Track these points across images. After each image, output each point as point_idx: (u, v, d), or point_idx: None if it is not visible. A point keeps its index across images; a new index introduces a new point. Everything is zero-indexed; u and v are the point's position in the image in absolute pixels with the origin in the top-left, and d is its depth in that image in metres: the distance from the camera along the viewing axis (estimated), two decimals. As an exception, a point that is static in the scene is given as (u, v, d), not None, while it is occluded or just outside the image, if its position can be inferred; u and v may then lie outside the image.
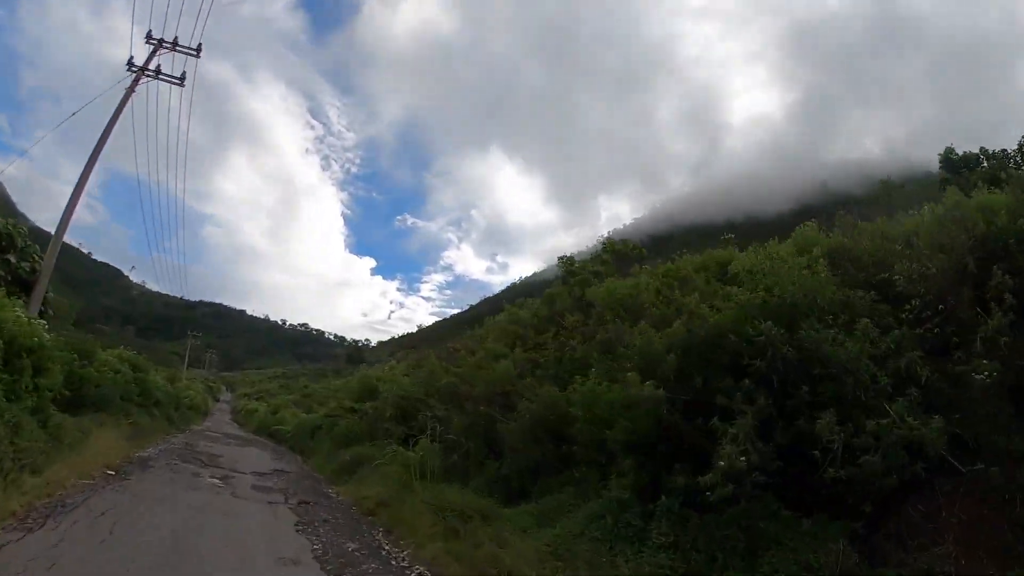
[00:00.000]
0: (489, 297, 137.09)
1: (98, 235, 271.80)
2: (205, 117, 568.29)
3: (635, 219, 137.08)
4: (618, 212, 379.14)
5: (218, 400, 74.31)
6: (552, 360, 12.31)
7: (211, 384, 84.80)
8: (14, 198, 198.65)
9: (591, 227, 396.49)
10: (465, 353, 18.39)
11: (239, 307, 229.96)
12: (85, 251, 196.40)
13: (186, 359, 65.94)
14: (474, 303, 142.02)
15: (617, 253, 17.29)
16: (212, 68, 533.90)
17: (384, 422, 17.36)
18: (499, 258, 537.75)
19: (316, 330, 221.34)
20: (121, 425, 16.41)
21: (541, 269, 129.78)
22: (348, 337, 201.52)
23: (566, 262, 18.43)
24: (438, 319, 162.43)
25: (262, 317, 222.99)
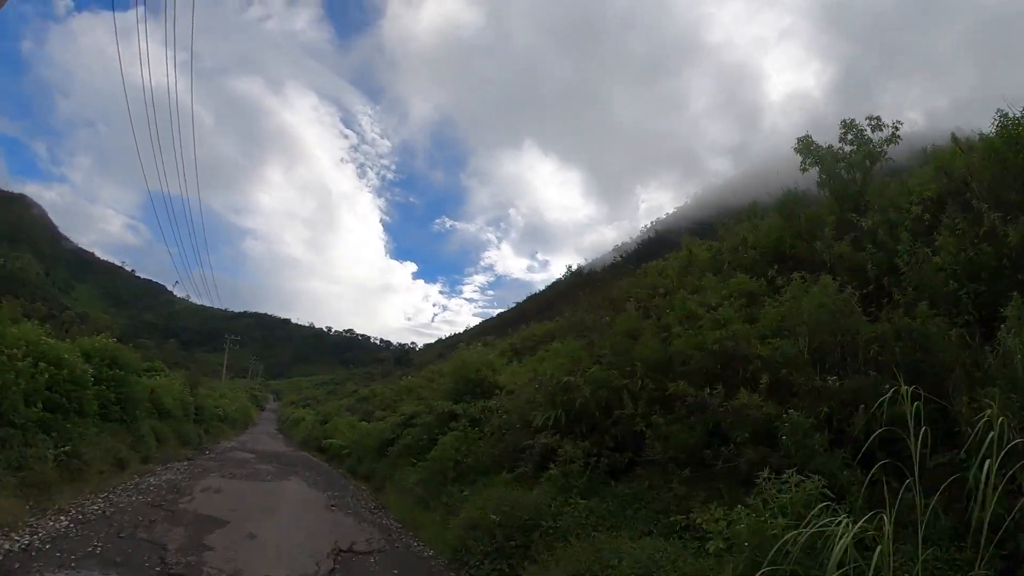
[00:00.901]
0: (535, 294, 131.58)
1: (142, 254, 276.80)
2: (240, 133, 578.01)
3: (677, 208, 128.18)
4: (659, 202, 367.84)
5: (263, 408, 70.84)
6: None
7: (256, 393, 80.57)
8: (56, 221, 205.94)
9: (631, 219, 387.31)
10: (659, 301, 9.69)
11: (283, 316, 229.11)
12: (129, 269, 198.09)
13: (224, 366, 59.26)
14: (519, 300, 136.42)
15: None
16: (243, 85, 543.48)
17: (532, 433, 8.73)
18: (539, 256, 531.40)
19: (361, 335, 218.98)
20: (43, 457, 8.22)
21: (581, 265, 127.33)
22: (394, 341, 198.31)
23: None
24: (482, 319, 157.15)
25: (307, 325, 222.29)
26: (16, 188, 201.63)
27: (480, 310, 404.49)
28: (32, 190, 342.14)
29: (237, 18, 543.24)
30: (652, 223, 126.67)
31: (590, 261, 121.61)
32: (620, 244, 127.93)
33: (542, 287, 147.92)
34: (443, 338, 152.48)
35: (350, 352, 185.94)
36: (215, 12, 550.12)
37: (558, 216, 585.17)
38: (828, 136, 9.93)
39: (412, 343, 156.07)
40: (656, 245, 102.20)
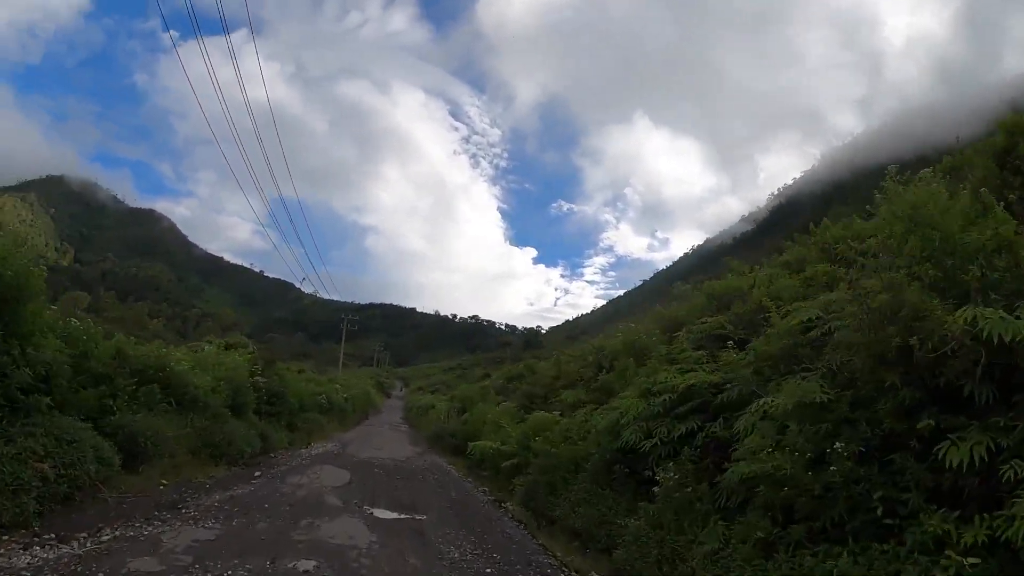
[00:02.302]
0: (660, 271, 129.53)
1: (270, 257, 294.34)
2: (354, 136, 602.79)
3: (804, 172, 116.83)
4: (780, 167, 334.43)
5: (389, 395, 66.87)
6: None
7: (383, 380, 76.97)
8: (185, 232, 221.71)
9: (753, 188, 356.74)
10: None
11: (408, 306, 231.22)
12: (258, 270, 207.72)
13: (341, 348, 52.92)
14: (643, 279, 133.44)
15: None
16: (351, 91, 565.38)
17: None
18: (659, 234, 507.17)
19: (487, 321, 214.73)
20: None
21: (704, 240, 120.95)
22: (519, 326, 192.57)
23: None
24: (604, 302, 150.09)
25: (432, 313, 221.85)
26: (146, 206, 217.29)
27: (602, 292, 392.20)
28: (162, 206, 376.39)
29: (335, 28, 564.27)
30: (779, 189, 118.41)
31: (715, 235, 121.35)
32: (747, 214, 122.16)
33: (663, 266, 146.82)
34: (569, 320, 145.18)
35: (475, 338, 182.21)
36: (313, 25, 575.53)
37: (675, 191, 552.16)
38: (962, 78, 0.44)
39: (537, 327, 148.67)
40: (786, 211, 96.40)
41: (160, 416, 10.23)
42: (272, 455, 13.29)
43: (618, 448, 8.32)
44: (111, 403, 9.32)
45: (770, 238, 69.92)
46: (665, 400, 7.49)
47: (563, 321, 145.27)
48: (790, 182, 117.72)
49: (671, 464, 6.64)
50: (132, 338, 11.62)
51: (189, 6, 12.72)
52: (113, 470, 7.75)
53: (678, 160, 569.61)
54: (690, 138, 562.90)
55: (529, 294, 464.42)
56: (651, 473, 7.17)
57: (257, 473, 10.71)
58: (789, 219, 77.61)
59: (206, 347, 14.99)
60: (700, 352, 8.65)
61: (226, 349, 16.53)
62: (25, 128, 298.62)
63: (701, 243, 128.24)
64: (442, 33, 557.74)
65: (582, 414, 11.43)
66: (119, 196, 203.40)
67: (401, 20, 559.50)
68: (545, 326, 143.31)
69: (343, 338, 52.09)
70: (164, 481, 8.89)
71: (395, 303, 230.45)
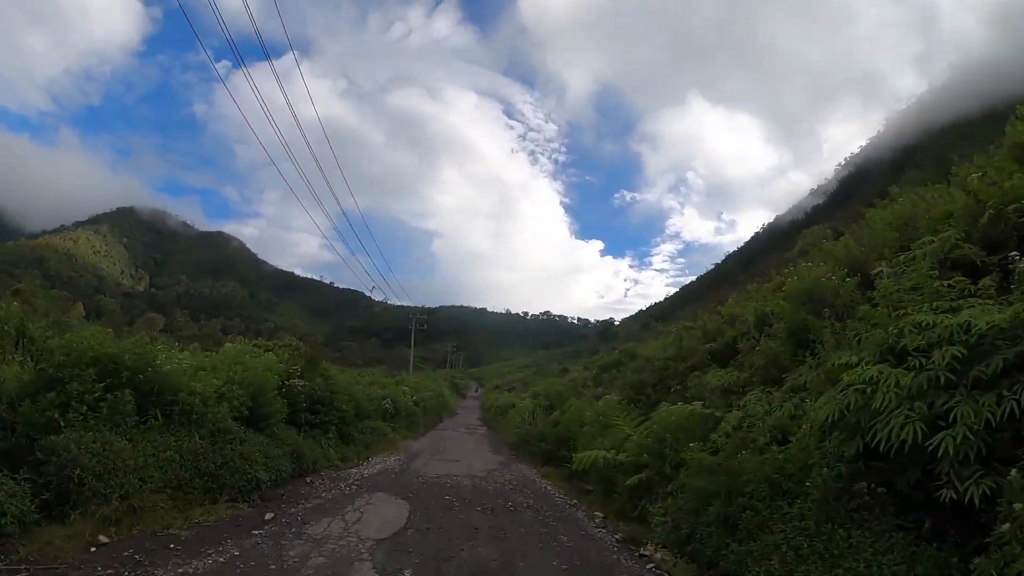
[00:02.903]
0: (731, 254, 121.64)
1: (339, 268, 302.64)
2: (411, 144, 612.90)
3: (869, 140, 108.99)
4: (845, 136, 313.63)
5: (464, 397, 63.55)
6: None
7: (457, 381, 74.26)
8: (255, 251, 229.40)
9: (818, 161, 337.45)
10: None
11: (479, 307, 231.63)
12: (328, 282, 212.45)
13: (411, 349, 50.24)
14: (717, 262, 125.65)
15: None
16: (403, 100, 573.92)
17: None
18: (725, 216, 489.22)
19: (558, 316, 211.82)
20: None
21: (774, 219, 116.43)
22: (591, 319, 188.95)
23: None
24: (675, 289, 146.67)
25: (502, 312, 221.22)
26: (215, 229, 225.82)
27: (672, 280, 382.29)
28: (230, 228, 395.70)
29: (381, 41, 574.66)
30: (846, 159, 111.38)
31: (784, 211, 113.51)
32: (816, 187, 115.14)
33: (732, 248, 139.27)
34: (643, 310, 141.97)
35: (548, 334, 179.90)
36: (360, 41, 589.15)
37: (738, 170, 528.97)
38: None
39: (610, 319, 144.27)
40: (856, 181, 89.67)
41: (132, 434, 6.99)
42: (309, 479, 9.87)
43: (859, 452, 4.27)
44: (56, 417, 6.21)
45: (842, 209, 66.08)
46: (950, 358, 3.44)
47: (636, 311, 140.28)
48: (856, 151, 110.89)
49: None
50: (110, 330, 8.48)
51: (229, 37, 11.45)
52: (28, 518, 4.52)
53: (738, 138, 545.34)
54: (748, 114, 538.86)
55: (598, 287, 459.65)
56: (953, 493, 3.75)
57: (269, 515, 7.20)
58: (861, 188, 73.35)
59: (228, 346, 11.85)
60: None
61: (266, 352, 13.43)
62: (92, 166, 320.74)
63: (770, 221, 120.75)
64: (487, 33, 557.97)
65: (756, 402, 7.32)
66: (188, 222, 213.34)
67: (445, 25, 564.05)
68: (617, 318, 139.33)
69: (412, 339, 49.49)
70: (103, 538, 5.53)
71: (465, 304, 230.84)
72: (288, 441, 10.19)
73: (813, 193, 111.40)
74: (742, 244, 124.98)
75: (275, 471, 8.96)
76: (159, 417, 7.78)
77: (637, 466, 9.30)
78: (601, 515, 9.64)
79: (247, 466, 8.09)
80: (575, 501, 10.50)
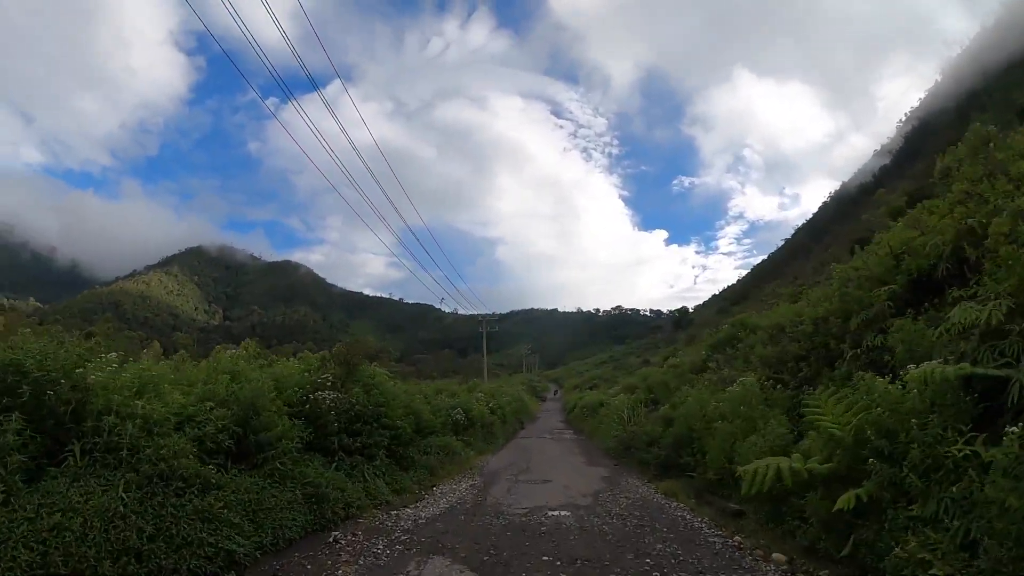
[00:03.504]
0: (800, 227, 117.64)
1: (407, 284, 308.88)
2: (464, 155, 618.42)
3: (927, 91, 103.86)
4: (900, 92, 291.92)
5: (544, 400, 60.34)
6: None
7: (535, 384, 72.09)
8: (323, 275, 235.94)
9: (876, 121, 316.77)
10: None
11: (549, 308, 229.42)
12: (397, 299, 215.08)
13: (484, 355, 47.30)
14: (786, 237, 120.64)
15: None
16: (450, 113, 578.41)
17: None
18: (787, 190, 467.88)
19: (630, 310, 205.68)
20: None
21: (840, 186, 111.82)
22: (664, 310, 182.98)
23: None
24: (745, 271, 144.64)
25: (574, 311, 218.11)
26: (282, 259, 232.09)
27: (741, 261, 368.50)
28: (297, 256, 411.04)
29: (421, 58, 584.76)
30: (906, 114, 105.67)
31: (850, 177, 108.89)
32: (879, 147, 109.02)
33: (799, 223, 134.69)
34: (715, 295, 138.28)
35: (621, 328, 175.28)
36: (400, 61, 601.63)
37: (795, 141, 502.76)
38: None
39: (683, 307, 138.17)
40: (921, 134, 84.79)
41: (13, 485, 3.94)
42: (335, 535, 6.58)
43: None
44: None
45: (913, 165, 63.59)
46: None
47: (708, 297, 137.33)
48: (916, 105, 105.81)
49: None
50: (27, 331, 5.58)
51: (276, 75, 11.54)
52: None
53: (790, 108, 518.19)
54: (797, 82, 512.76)
55: (666, 277, 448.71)
56: None
57: None
58: (928, 141, 69.02)
59: (220, 354, 8.83)
60: None
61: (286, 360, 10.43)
62: (157, 211, 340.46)
63: (836, 189, 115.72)
64: (523, 35, 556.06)
65: None
66: (255, 254, 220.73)
67: (480, 34, 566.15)
68: (689, 306, 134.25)
69: (484, 344, 46.71)
70: None
71: (535, 307, 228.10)
72: (305, 478, 6.97)
73: (877, 154, 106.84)
74: (810, 216, 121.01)
75: (272, 530, 5.73)
76: (78, 456, 4.76)
77: (842, 477, 5.62)
78: (785, 558, 5.98)
79: (208, 532, 4.87)
80: (736, 538, 6.77)
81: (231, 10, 9.57)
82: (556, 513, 8.04)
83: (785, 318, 12.70)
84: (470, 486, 10.70)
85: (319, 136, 14.77)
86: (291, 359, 10.41)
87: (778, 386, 9.62)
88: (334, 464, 8.39)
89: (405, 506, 8.57)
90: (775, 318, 13.77)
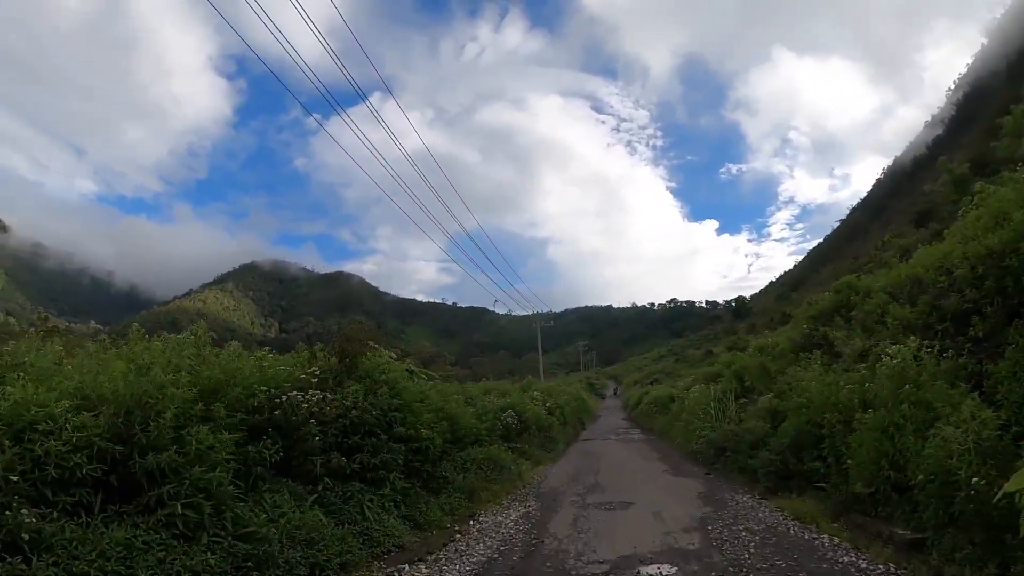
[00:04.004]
0: (854, 207, 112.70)
1: (460, 288, 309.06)
2: (508, 157, 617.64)
3: (974, 56, 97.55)
4: (945, 59, 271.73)
5: (603, 397, 58.29)
6: None
7: (593, 381, 68.54)
8: (376, 284, 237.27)
9: (924, 92, 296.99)
10: None
11: (604, 304, 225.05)
12: (450, 303, 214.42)
13: (539, 354, 44.55)
14: (841, 218, 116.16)
15: None
16: (490, 116, 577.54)
17: None
18: (837, 171, 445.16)
19: (686, 302, 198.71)
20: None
21: (892, 161, 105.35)
22: (719, 300, 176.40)
23: None
24: (800, 256, 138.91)
25: (629, 306, 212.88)
26: (334, 270, 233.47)
27: (795, 247, 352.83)
28: (349, 267, 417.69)
29: (457, 65, 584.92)
30: (955, 81, 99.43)
31: (903, 151, 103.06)
32: (930, 118, 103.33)
33: (852, 203, 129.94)
34: (772, 282, 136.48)
35: (678, 321, 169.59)
36: (437, 69, 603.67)
37: (841, 120, 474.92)
38: None
39: (739, 297, 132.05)
40: (975, 100, 79.17)
41: None
42: None
43: None
44: None
45: (969, 131, 59.69)
46: None
47: (764, 285, 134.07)
48: (964, 71, 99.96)
49: None
50: None
51: (324, 89, 11.65)
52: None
53: (834, 85, 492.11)
54: (838, 58, 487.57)
55: (719, 267, 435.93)
56: None
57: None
58: (984, 105, 64.22)
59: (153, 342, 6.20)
60: None
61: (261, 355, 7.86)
62: (210, 232, 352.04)
63: (889, 164, 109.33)
64: (557, 33, 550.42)
65: None
66: (308, 267, 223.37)
67: (515, 36, 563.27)
68: (745, 295, 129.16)
69: (539, 343, 44.10)
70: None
71: (590, 304, 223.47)
72: (240, 527, 4.26)
73: (929, 125, 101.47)
74: (864, 195, 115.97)
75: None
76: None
77: None
78: None
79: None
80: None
81: (275, 31, 9.34)
82: (656, 572, 5.03)
83: (924, 267, 9.29)
84: (521, 517, 7.78)
85: (370, 147, 14.67)
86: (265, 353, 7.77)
87: (946, 353, 6.52)
88: (314, 497, 5.68)
89: (421, 559, 5.72)
90: (905, 271, 10.31)
